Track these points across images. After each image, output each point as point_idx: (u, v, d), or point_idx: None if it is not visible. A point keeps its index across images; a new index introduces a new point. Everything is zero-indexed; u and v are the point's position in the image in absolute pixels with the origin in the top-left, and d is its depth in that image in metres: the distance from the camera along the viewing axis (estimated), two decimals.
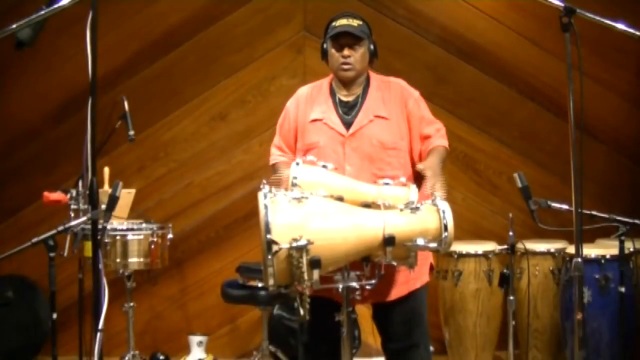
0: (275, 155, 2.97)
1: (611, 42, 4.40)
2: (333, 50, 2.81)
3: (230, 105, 4.74)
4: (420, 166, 2.66)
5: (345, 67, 2.79)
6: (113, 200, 2.77)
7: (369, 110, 2.81)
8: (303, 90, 2.97)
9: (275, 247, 2.21)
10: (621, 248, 3.04)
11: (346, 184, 2.60)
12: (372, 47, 2.85)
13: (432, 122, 2.88)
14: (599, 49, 4.38)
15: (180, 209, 4.72)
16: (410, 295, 2.80)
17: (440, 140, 2.83)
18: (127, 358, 4.00)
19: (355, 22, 2.79)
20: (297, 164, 2.60)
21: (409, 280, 2.78)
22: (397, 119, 2.81)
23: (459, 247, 4.09)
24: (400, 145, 2.80)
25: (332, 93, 2.88)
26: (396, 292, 2.78)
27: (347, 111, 2.84)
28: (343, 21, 2.79)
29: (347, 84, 2.86)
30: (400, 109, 2.83)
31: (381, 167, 2.73)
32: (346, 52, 2.78)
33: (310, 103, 2.89)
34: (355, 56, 2.79)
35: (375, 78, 2.91)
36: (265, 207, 2.25)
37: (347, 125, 2.80)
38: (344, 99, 2.86)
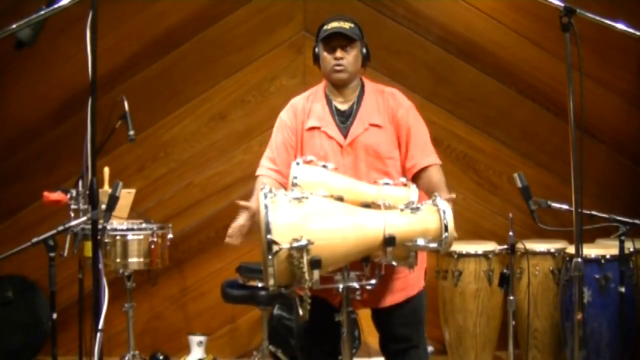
0: (264, 169, 2.84)
1: (611, 42, 4.40)
2: (325, 53, 2.78)
3: (230, 105, 4.74)
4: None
5: (338, 68, 2.76)
6: (113, 200, 2.77)
7: (364, 118, 2.79)
8: (297, 100, 2.90)
9: (275, 247, 2.21)
10: (621, 248, 3.04)
11: (346, 184, 2.60)
12: (364, 50, 2.82)
13: (419, 134, 2.80)
14: (599, 49, 4.38)
15: (180, 209, 4.71)
16: (409, 301, 2.80)
17: (431, 158, 2.79)
18: (127, 358, 4.00)
19: (346, 25, 2.77)
20: (297, 163, 2.60)
21: (406, 287, 2.78)
22: (390, 128, 2.79)
23: (459, 247, 4.09)
24: (395, 154, 2.78)
25: (328, 100, 2.84)
26: (394, 299, 2.77)
27: (344, 120, 2.81)
28: (335, 24, 2.77)
29: (340, 88, 2.82)
30: (391, 119, 2.79)
31: (378, 177, 2.68)
32: (338, 53, 2.75)
33: (306, 111, 2.84)
34: (348, 58, 2.76)
35: (369, 85, 2.88)
36: (266, 207, 2.25)
37: (344, 134, 2.78)
38: (340, 107, 2.83)
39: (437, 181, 2.74)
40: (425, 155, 2.79)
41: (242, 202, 2.64)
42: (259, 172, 2.86)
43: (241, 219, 2.63)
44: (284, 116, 2.88)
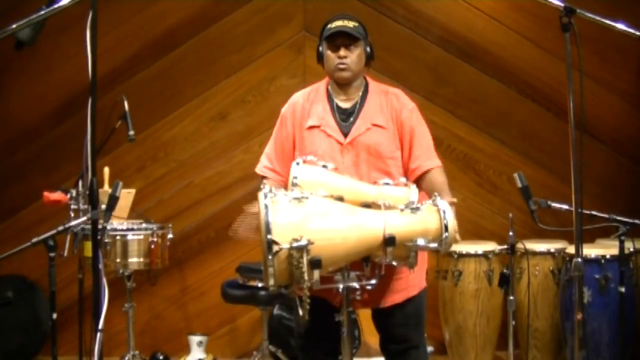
0: (262, 167, 2.90)
1: (611, 42, 4.40)
2: (329, 52, 2.78)
3: (230, 105, 4.74)
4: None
5: (342, 66, 2.76)
6: (113, 200, 2.77)
7: (367, 117, 2.78)
8: (298, 96, 2.91)
9: (275, 247, 2.21)
10: (621, 248, 3.05)
11: (346, 184, 2.60)
12: (368, 49, 2.82)
13: (423, 137, 2.80)
14: (599, 49, 4.38)
15: (180, 209, 4.71)
16: (410, 301, 2.79)
17: (434, 161, 2.79)
18: (127, 358, 4.00)
19: (350, 23, 2.77)
20: (297, 163, 2.60)
21: (407, 287, 2.77)
22: (392, 129, 2.79)
23: (459, 247, 4.08)
24: (397, 155, 2.78)
25: (329, 98, 2.85)
26: (394, 299, 2.76)
27: (345, 118, 2.80)
28: (338, 22, 2.77)
29: (343, 87, 2.82)
30: (394, 119, 2.79)
31: (379, 177, 2.68)
32: (342, 52, 2.75)
33: (306, 109, 2.84)
34: (352, 57, 2.76)
35: (373, 85, 2.88)
36: (266, 207, 2.25)
37: (345, 132, 2.77)
38: (342, 105, 2.83)
39: (441, 183, 2.73)
40: (429, 157, 2.79)
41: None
42: (257, 169, 2.92)
43: (247, 218, 2.71)
44: (285, 112, 2.91)
